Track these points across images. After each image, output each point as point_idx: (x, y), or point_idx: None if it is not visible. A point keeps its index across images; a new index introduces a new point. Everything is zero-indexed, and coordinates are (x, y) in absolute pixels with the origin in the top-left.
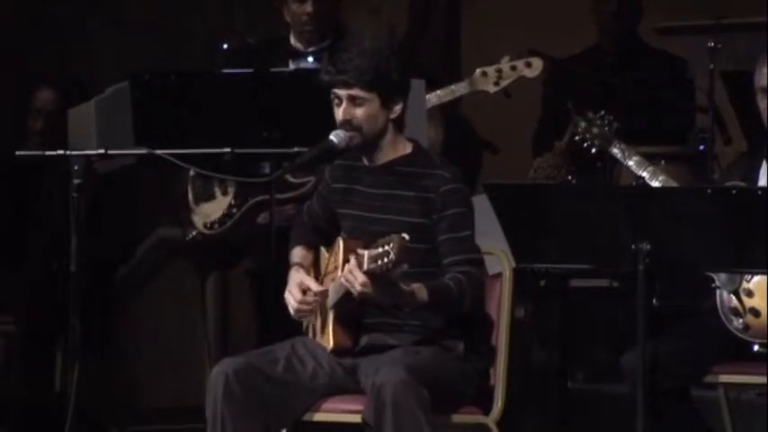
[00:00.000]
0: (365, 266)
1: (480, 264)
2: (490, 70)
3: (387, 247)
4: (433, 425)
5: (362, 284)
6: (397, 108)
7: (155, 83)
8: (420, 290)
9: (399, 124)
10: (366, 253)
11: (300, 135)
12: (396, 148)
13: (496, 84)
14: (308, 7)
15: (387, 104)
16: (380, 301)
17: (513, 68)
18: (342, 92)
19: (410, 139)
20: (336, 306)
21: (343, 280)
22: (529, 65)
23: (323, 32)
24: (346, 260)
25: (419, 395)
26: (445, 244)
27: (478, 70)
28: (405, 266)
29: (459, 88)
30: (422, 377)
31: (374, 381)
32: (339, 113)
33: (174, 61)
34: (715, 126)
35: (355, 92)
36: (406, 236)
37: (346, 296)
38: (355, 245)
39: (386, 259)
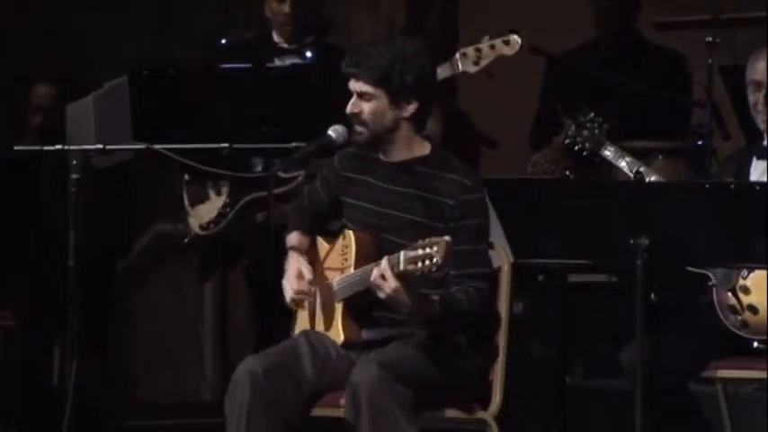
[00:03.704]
0: (401, 267)
1: (491, 279)
2: (470, 50)
3: (430, 250)
4: (413, 419)
5: (394, 290)
6: (411, 107)
7: (153, 78)
8: (437, 302)
9: (416, 124)
10: (402, 254)
11: (299, 130)
12: (411, 148)
13: (476, 63)
14: (286, 8)
15: (396, 103)
16: (404, 310)
17: (492, 47)
18: (353, 85)
19: (428, 139)
20: (348, 300)
21: (374, 280)
22: (507, 43)
23: (303, 30)
24: (360, 255)
25: (394, 391)
26: (461, 255)
27: (459, 51)
28: (445, 271)
29: (441, 71)
30: (397, 373)
31: (350, 379)
32: (349, 106)
33: (172, 57)
34: (713, 121)
35: (363, 86)
36: (449, 239)
37: (361, 293)
38: (366, 240)
39: (428, 262)
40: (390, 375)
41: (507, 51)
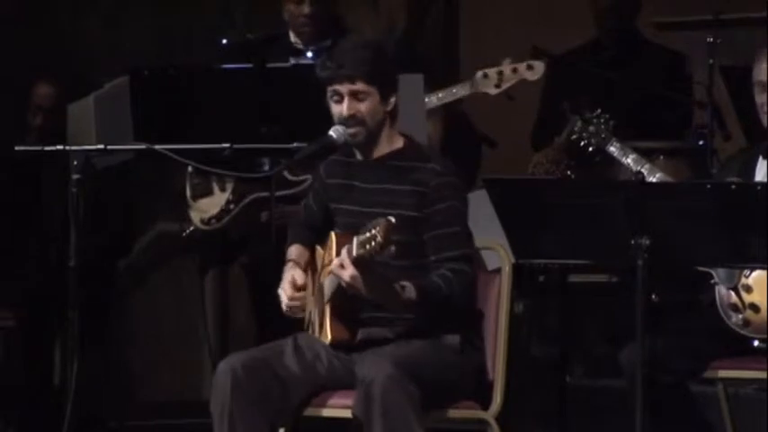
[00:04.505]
0: (354, 252)
1: (471, 259)
2: (491, 72)
3: (374, 231)
4: (422, 419)
5: (351, 276)
6: (393, 100)
7: (154, 78)
8: (409, 288)
9: (393, 117)
10: (354, 239)
11: (300, 130)
12: (390, 142)
13: (497, 86)
14: (305, 9)
15: (385, 97)
16: (369, 297)
17: (515, 71)
18: (343, 87)
19: (402, 134)
20: (332, 300)
21: (333, 269)
22: (530, 68)
23: (322, 32)
24: (339, 254)
25: (407, 390)
26: (436, 239)
27: (480, 72)
28: (392, 249)
29: (460, 90)
30: (409, 371)
31: (362, 376)
32: (343, 109)
33: (172, 57)
34: (714, 121)
35: (358, 86)
36: (392, 218)
37: (341, 290)
38: (347, 239)
39: (373, 243)
40: (403, 373)
41: (529, 76)
